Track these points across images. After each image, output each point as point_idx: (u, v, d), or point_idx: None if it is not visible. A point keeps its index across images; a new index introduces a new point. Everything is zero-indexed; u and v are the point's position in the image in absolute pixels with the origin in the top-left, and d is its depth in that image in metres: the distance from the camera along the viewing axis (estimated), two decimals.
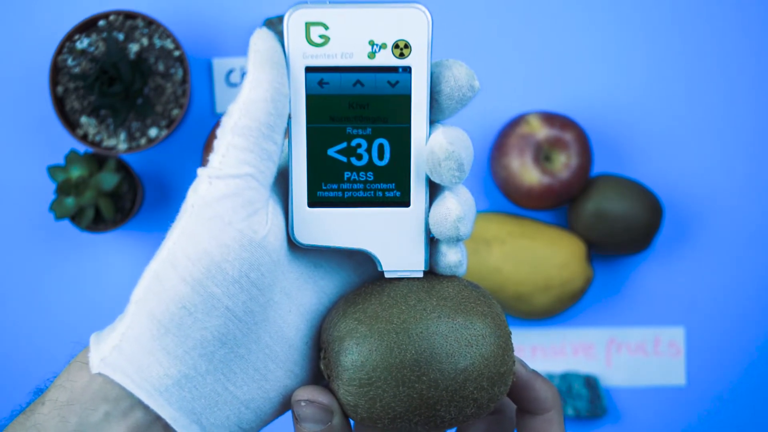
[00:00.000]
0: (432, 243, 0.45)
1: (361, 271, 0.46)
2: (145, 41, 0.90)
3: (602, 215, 0.91)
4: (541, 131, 0.91)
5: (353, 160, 0.43)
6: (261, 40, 0.42)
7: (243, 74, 0.96)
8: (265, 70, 0.41)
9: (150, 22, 0.90)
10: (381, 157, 0.43)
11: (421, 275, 0.44)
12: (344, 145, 0.43)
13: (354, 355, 0.42)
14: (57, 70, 0.90)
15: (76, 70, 0.90)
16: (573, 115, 0.97)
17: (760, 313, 0.97)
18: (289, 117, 0.43)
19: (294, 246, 0.44)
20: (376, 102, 0.43)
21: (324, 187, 0.43)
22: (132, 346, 0.40)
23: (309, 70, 0.42)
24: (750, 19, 0.97)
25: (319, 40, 0.42)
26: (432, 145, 0.42)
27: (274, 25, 0.94)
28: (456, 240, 0.43)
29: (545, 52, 0.97)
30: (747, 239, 0.97)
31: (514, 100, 0.97)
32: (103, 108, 0.90)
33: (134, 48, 0.90)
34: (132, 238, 0.97)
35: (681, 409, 0.97)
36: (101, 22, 0.90)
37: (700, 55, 0.97)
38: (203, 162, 0.92)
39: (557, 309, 0.92)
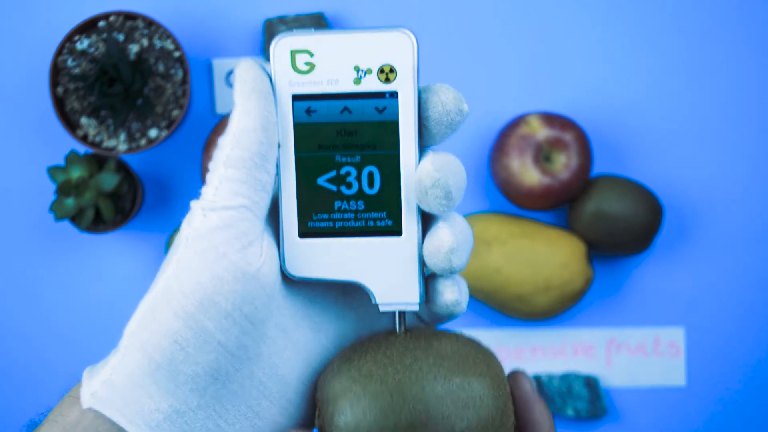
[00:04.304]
0: (429, 278, 0.44)
1: (356, 306, 0.45)
2: (145, 42, 0.90)
3: (602, 215, 0.91)
4: (541, 132, 0.91)
5: (343, 188, 0.42)
6: (247, 70, 0.41)
7: None
8: (253, 99, 0.41)
9: (150, 23, 0.90)
10: (371, 185, 0.42)
11: (416, 308, 0.43)
12: (333, 173, 0.42)
13: (347, 416, 0.41)
14: (57, 71, 0.90)
15: (76, 70, 0.90)
16: (573, 115, 0.97)
17: (760, 314, 0.97)
18: (279, 146, 0.42)
19: (289, 280, 0.43)
20: (364, 128, 0.42)
21: (314, 217, 0.42)
22: (123, 381, 0.40)
23: (296, 98, 0.42)
24: (750, 20, 0.97)
25: (305, 68, 0.42)
26: (419, 173, 0.41)
27: (274, 26, 0.94)
28: (450, 272, 0.42)
29: (545, 53, 0.97)
30: (747, 239, 0.97)
31: (514, 100, 0.97)
32: (103, 109, 0.90)
33: (134, 49, 0.90)
34: (132, 239, 0.97)
35: (681, 410, 0.97)
36: (101, 23, 0.90)
37: (700, 55, 0.97)
38: (203, 162, 0.92)
39: (557, 309, 0.92)
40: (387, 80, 0.42)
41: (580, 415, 0.94)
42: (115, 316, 0.97)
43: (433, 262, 0.42)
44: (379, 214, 0.42)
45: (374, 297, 0.43)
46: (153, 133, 0.90)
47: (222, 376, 0.40)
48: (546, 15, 0.97)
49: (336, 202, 0.42)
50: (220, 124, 0.91)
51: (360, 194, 0.42)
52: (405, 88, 0.42)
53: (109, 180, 0.89)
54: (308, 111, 0.42)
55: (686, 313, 0.97)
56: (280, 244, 0.43)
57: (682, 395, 0.97)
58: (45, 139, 0.96)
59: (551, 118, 0.91)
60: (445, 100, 0.42)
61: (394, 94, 0.42)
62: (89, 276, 0.97)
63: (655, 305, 0.97)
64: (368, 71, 0.42)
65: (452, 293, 0.42)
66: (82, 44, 0.90)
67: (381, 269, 0.42)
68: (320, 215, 0.42)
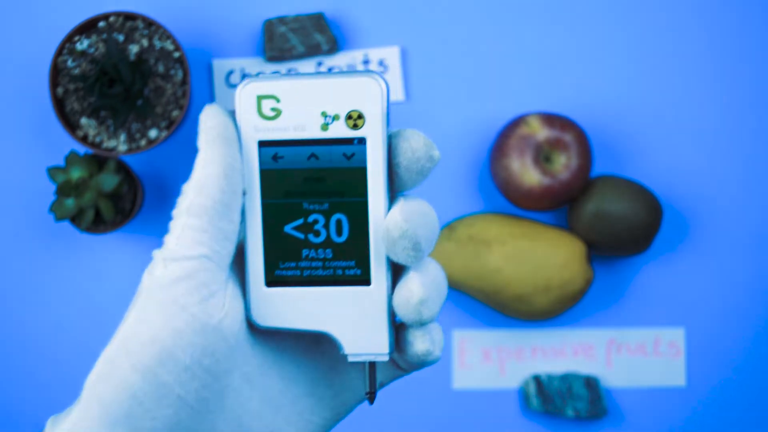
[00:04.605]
0: (400, 327, 0.43)
1: (328, 355, 0.44)
2: (145, 42, 0.90)
3: (602, 216, 0.91)
4: (541, 132, 0.91)
5: (311, 236, 0.42)
6: (211, 116, 0.41)
7: (243, 76, 0.96)
8: (217, 146, 0.41)
9: (150, 24, 0.90)
10: (339, 233, 0.42)
11: (386, 359, 0.42)
12: (301, 221, 0.42)
13: None
14: (57, 72, 0.90)
15: (76, 71, 0.90)
16: (573, 115, 0.97)
17: (760, 314, 0.97)
18: (244, 193, 0.42)
19: (256, 330, 0.42)
20: (332, 175, 0.41)
21: (281, 266, 0.42)
22: None
23: (262, 144, 0.41)
24: (749, 19, 0.97)
25: (271, 113, 0.41)
26: (387, 223, 0.40)
27: (274, 26, 0.94)
28: (419, 324, 0.41)
29: (545, 52, 0.97)
30: (747, 239, 0.97)
31: (514, 100, 0.97)
32: (103, 109, 0.90)
33: (134, 49, 0.90)
34: (132, 240, 0.97)
35: (681, 410, 0.97)
36: (101, 24, 0.90)
37: (700, 56, 0.97)
38: None
39: (557, 310, 0.92)
40: (355, 126, 0.41)
41: (580, 415, 0.95)
42: (115, 317, 0.97)
43: (403, 314, 0.41)
44: (348, 263, 0.42)
45: (343, 347, 0.42)
46: (153, 133, 0.90)
47: (182, 430, 0.40)
48: (546, 15, 0.97)
49: (303, 251, 0.42)
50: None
51: (328, 242, 0.42)
52: (373, 135, 0.41)
53: (109, 180, 0.89)
54: (275, 157, 0.41)
55: (686, 314, 0.97)
56: (246, 293, 0.42)
57: (682, 395, 0.97)
58: (45, 140, 0.96)
59: (551, 119, 0.91)
60: (415, 146, 0.41)
61: (362, 141, 0.41)
62: (89, 276, 0.97)
63: (655, 305, 0.97)
64: (336, 117, 0.41)
65: (423, 343, 0.42)
66: (82, 45, 0.90)
67: (350, 319, 0.42)
68: (287, 264, 0.42)
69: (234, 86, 0.96)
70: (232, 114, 0.42)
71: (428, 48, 0.97)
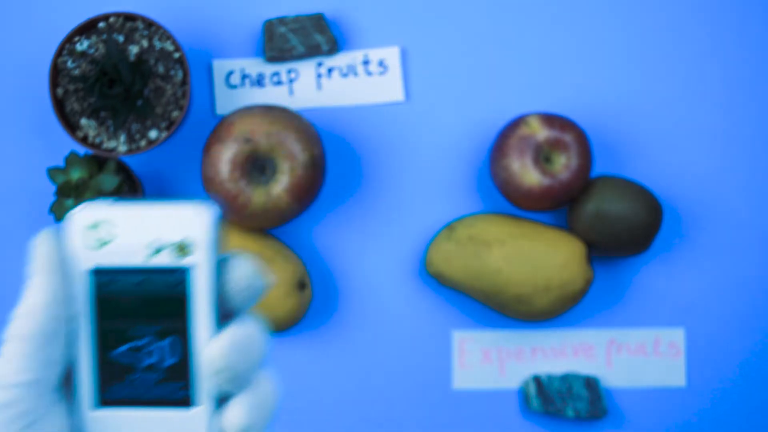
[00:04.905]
0: None
1: None
2: (145, 43, 0.90)
3: (602, 216, 0.91)
4: (541, 132, 0.91)
5: (139, 360, 0.43)
6: (42, 243, 0.42)
7: (242, 77, 0.96)
8: (46, 273, 0.42)
9: (150, 24, 0.90)
10: (167, 357, 0.43)
11: None
12: (130, 345, 0.43)
13: None
14: (57, 72, 0.90)
15: (76, 71, 0.90)
16: (573, 115, 0.97)
17: (760, 314, 0.97)
18: (74, 318, 0.43)
19: None
20: (160, 303, 0.43)
21: (111, 388, 0.43)
22: None
23: (92, 270, 0.43)
24: (750, 19, 0.97)
25: (102, 240, 0.43)
26: (206, 357, 0.42)
27: (274, 26, 0.94)
28: None
29: (545, 52, 0.97)
30: (747, 239, 0.97)
31: (514, 101, 0.97)
32: (103, 110, 0.90)
33: (134, 50, 0.90)
34: None
35: (681, 410, 0.97)
36: (101, 24, 0.90)
37: (700, 55, 0.97)
38: (202, 164, 0.92)
39: (557, 310, 0.92)
40: (182, 255, 0.43)
41: (581, 415, 0.95)
42: None
43: None
44: (175, 386, 0.43)
45: None
46: (153, 134, 0.90)
47: None
48: (546, 15, 0.97)
49: (132, 374, 0.43)
50: (219, 125, 0.91)
51: (156, 366, 0.43)
52: (200, 264, 0.42)
53: (109, 181, 0.89)
54: (105, 284, 0.43)
55: (686, 314, 0.97)
56: (75, 416, 0.43)
57: (682, 395, 0.97)
58: (45, 141, 0.96)
59: (551, 119, 0.91)
60: (240, 275, 0.43)
61: (187, 270, 0.43)
62: None
63: (655, 306, 0.97)
64: (164, 246, 0.43)
65: None
66: (82, 45, 0.90)
67: None
68: (116, 386, 0.43)
69: (234, 87, 0.96)
70: (63, 239, 0.43)
71: (428, 48, 0.97)
